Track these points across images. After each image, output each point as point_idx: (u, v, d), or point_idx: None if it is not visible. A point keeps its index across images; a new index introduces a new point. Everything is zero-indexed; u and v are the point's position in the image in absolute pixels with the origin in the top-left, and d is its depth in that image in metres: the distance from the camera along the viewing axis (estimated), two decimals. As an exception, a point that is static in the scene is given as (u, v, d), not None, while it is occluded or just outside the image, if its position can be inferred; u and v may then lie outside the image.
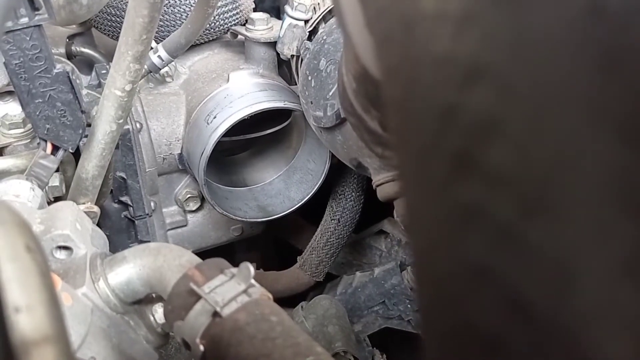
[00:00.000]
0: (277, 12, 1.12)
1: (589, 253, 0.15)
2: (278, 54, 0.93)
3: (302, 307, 0.92)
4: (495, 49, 0.17)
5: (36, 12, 0.59)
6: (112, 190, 0.84)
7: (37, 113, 0.64)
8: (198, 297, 0.51)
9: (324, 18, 0.77)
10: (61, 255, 0.56)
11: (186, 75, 0.95)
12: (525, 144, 0.16)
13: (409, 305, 1.03)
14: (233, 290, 0.52)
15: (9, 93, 0.84)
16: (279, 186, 0.99)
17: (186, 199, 0.97)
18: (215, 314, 0.50)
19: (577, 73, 0.15)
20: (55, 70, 0.62)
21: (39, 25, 0.60)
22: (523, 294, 0.16)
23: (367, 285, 1.04)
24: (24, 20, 0.59)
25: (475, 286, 0.17)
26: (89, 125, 0.68)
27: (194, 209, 0.99)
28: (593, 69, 0.15)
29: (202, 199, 0.99)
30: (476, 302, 0.17)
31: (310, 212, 1.12)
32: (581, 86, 0.15)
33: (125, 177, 0.85)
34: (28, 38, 0.60)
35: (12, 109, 0.83)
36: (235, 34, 0.95)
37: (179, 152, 0.92)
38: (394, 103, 0.22)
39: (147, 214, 0.90)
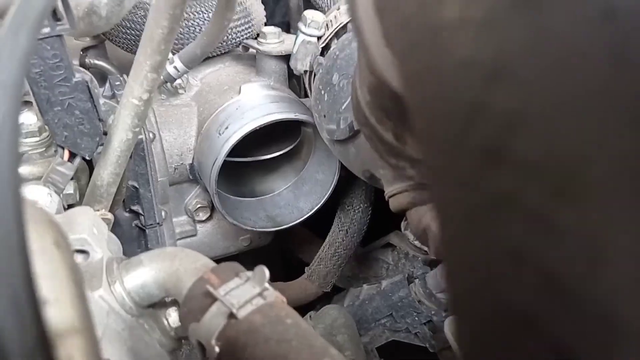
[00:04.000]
0: (287, 27, 1.14)
1: (616, 231, 0.16)
2: (288, 67, 0.95)
3: (310, 316, 0.92)
4: (515, 50, 0.18)
5: (58, 23, 0.61)
6: (124, 199, 0.85)
7: (56, 121, 0.65)
8: (214, 299, 0.52)
9: (337, 34, 0.78)
10: (78, 258, 0.57)
11: (198, 87, 0.96)
12: (548, 135, 0.17)
13: (416, 318, 1.03)
14: (248, 292, 0.53)
15: (25, 103, 0.86)
16: (288, 197, 1.00)
17: (196, 209, 0.98)
18: (231, 316, 0.51)
19: (591, 70, 0.16)
20: (75, 79, 0.64)
21: (59, 35, 0.62)
22: (556, 272, 0.16)
23: (375, 297, 1.05)
24: (46, 30, 0.61)
25: (511, 268, 0.18)
26: (105, 133, 0.69)
27: (203, 219, 1.00)
28: (606, 66, 0.16)
29: (212, 209, 1.00)
30: (512, 282, 0.18)
31: (317, 225, 1.13)
32: (596, 82, 0.16)
33: (137, 186, 0.86)
34: (49, 47, 0.62)
35: (27, 118, 0.85)
36: (246, 47, 0.97)
37: (190, 162, 0.93)
38: (420, 105, 0.23)
39: (158, 223, 0.90)
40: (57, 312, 0.33)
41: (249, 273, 0.55)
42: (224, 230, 1.02)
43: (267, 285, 0.54)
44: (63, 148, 0.67)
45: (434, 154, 0.22)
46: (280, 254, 1.29)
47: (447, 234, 0.22)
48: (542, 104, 0.17)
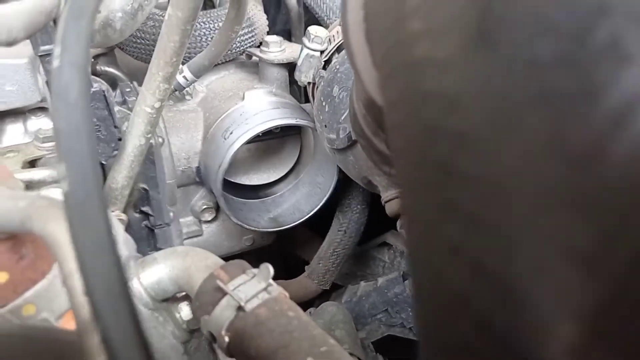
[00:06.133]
0: (287, 34, 1.19)
1: (528, 229, 0.21)
2: (290, 74, 1.00)
3: (310, 312, 0.97)
4: (468, 87, 0.23)
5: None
6: (134, 200, 0.90)
7: (75, 128, 0.70)
8: (224, 294, 0.57)
9: (338, 49, 0.83)
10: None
11: (203, 93, 1.01)
12: (485, 156, 0.22)
13: (410, 313, 1.08)
14: (254, 288, 0.57)
15: (41, 109, 0.90)
16: (289, 198, 1.05)
17: (202, 210, 1.03)
18: (239, 309, 0.55)
19: (519, 107, 0.21)
20: (92, 89, 0.69)
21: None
22: (482, 261, 0.22)
23: (371, 294, 1.09)
24: (67, 44, 0.66)
25: (450, 258, 0.23)
26: (119, 139, 0.74)
27: (209, 219, 1.04)
28: (532, 106, 0.21)
29: (217, 210, 1.05)
30: (451, 270, 0.23)
31: (317, 224, 1.17)
32: (521, 117, 0.21)
33: (147, 189, 0.91)
34: (69, 60, 0.67)
35: (44, 123, 0.90)
36: (250, 55, 1.02)
37: (197, 165, 0.98)
38: (395, 126, 0.29)
39: (167, 224, 0.95)
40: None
41: (255, 270, 0.60)
42: (229, 230, 1.07)
43: (271, 281, 0.59)
44: (81, 153, 0.72)
45: (403, 167, 0.27)
46: (281, 252, 1.33)
47: (410, 234, 0.27)
48: (483, 131, 0.22)
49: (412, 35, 0.26)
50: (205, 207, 1.03)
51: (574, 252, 0.20)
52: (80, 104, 0.36)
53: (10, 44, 0.46)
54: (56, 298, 0.53)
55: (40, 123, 0.90)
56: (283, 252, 1.34)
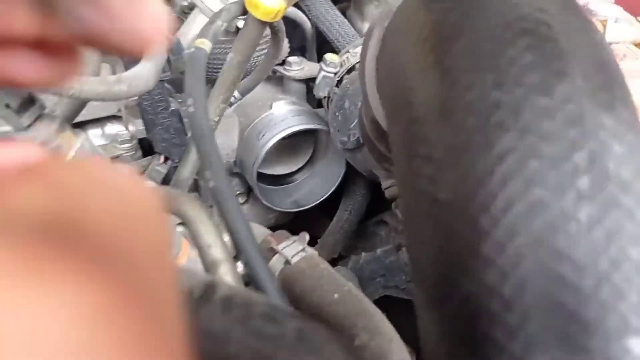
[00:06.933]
0: (302, 50, 1.44)
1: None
2: (307, 86, 1.25)
3: (324, 275, 1.24)
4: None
5: (163, 72, 0.91)
6: (187, 187, 1.16)
7: (157, 136, 0.96)
8: (275, 252, 0.83)
9: (348, 71, 1.09)
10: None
11: (237, 102, 1.26)
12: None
13: (403, 277, 1.34)
14: (295, 249, 0.84)
15: (115, 117, 1.16)
16: (306, 185, 1.31)
17: (236, 195, 1.29)
18: (286, 262, 0.82)
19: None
20: (171, 108, 0.94)
21: (162, 80, 0.92)
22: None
23: (371, 262, 1.35)
24: (154, 76, 0.91)
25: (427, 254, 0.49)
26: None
27: (241, 202, 1.30)
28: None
29: (248, 195, 1.31)
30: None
31: (325, 207, 1.44)
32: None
33: (198, 179, 1.17)
34: (156, 88, 0.92)
35: (117, 129, 1.15)
36: (274, 72, 1.27)
37: (234, 159, 1.23)
38: (393, 141, 0.54)
39: (211, 206, 1.21)
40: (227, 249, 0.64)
41: (295, 237, 0.86)
42: (256, 211, 1.33)
43: (306, 245, 0.85)
44: (160, 154, 0.98)
45: (399, 166, 0.53)
46: (295, 230, 1.59)
47: (403, 208, 0.53)
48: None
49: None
50: (238, 192, 1.29)
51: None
52: (210, 135, 0.62)
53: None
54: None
55: (115, 128, 1.15)
56: (296, 229, 1.59)
